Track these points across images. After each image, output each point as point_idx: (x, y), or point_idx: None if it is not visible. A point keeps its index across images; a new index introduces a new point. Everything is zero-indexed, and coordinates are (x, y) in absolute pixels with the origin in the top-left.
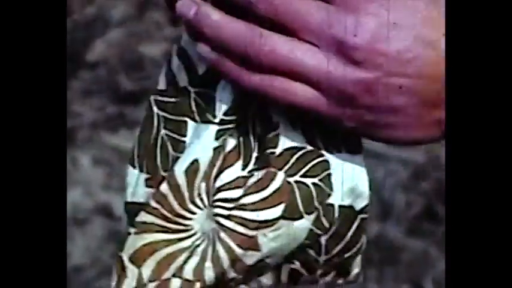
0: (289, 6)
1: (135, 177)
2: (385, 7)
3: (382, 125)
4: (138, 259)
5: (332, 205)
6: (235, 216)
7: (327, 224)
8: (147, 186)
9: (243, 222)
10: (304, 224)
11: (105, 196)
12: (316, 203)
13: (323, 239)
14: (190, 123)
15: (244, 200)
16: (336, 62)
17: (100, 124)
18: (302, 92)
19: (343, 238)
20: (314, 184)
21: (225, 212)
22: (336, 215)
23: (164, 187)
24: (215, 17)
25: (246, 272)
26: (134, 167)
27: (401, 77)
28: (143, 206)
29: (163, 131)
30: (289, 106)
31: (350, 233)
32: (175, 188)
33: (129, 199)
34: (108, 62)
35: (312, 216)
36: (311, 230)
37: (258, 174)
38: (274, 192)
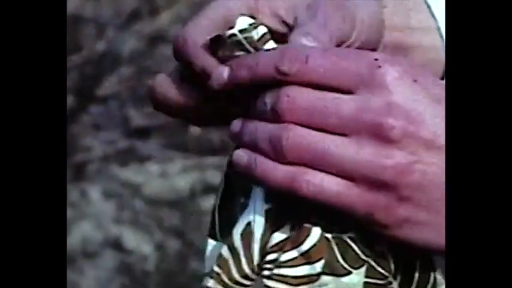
0: (315, 109)
1: (217, 249)
2: (417, 89)
3: (415, 222)
4: None
5: (383, 252)
6: (276, 275)
7: (384, 272)
8: None
9: (283, 279)
10: (355, 278)
11: (116, 229)
12: (363, 257)
13: (395, 285)
14: (254, 187)
15: (282, 258)
16: (370, 148)
17: (110, 158)
18: (328, 184)
19: (412, 279)
20: (351, 238)
21: (268, 273)
22: (391, 261)
23: (225, 250)
24: (251, 126)
25: None
26: (216, 239)
27: (435, 166)
28: (210, 272)
29: (242, 198)
30: (317, 201)
31: (417, 272)
32: (234, 251)
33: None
34: (119, 96)
35: (363, 270)
36: (366, 282)
37: (295, 232)
38: (312, 248)
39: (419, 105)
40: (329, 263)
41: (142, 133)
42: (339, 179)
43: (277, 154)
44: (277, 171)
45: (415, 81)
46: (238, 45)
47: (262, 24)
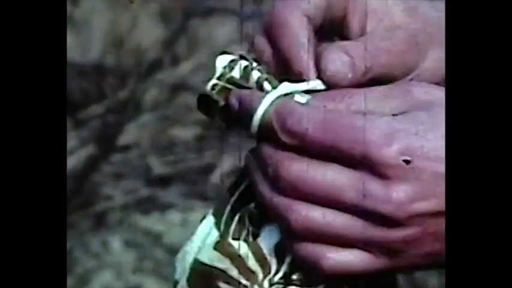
0: (316, 185)
1: (207, 229)
2: (416, 172)
3: (435, 262)
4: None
5: None
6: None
7: None
8: (214, 248)
9: None
10: None
11: (136, 279)
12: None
13: None
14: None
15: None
16: (377, 228)
17: (131, 207)
18: (351, 259)
19: None
20: None
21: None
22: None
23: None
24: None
25: None
26: (214, 216)
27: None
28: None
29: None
30: (339, 275)
31: None
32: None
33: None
34: (140, 145)
35: None
36: None
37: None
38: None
39: (420, 183)
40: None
41: (163, 181)
42: (357, 252)
43: (289, 230)
44: (298, 249)
45: (408, 162)
46: (224, 90)
47: (241, 57)
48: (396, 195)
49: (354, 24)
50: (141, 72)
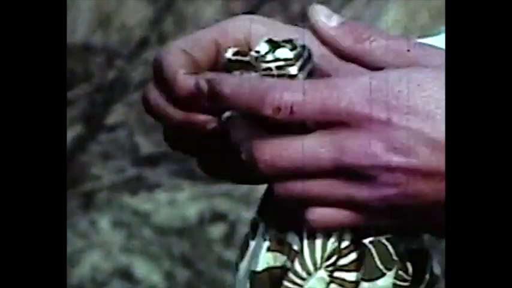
0: (294, 158)
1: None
2: (392, 127)
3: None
4: None
5: (407, 253)
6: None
7: (406, 276)
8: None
9: (342, 283)
10: (388, 280)
11: (125, 259)
12: (395, 257)
13: None
14: None
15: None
16: (355, 186)
17: (119, 186)
18: (329, 213)
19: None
20: (388, 239)
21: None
22: (410, 265)
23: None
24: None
25: None
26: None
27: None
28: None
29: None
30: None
31: (427, 276)
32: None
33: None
34: (128, 124)
35: (393, 272)
36: (395, 284)
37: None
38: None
39: (396, 138)
40: (368, 269)
41: (151, 161)
42: (341, 210)
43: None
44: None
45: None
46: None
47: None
48: (373, 147)
49: None
50: (128, 51)
